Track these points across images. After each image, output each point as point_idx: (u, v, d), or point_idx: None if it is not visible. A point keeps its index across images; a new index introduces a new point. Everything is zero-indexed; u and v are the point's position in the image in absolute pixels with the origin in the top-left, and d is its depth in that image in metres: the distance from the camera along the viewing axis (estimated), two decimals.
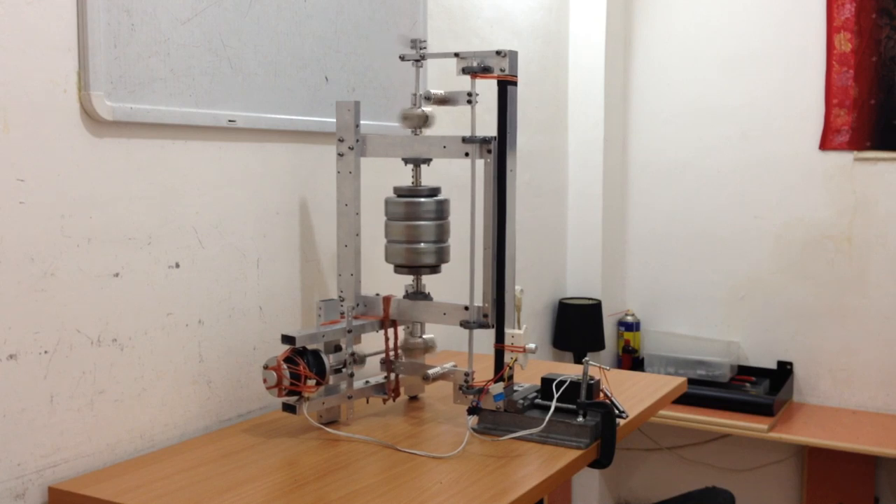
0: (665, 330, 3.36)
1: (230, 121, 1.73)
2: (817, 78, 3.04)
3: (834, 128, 3.02)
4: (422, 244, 1.75)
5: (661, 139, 3.33)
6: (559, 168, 3.18)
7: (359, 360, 1.74)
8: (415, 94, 1.78)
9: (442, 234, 1.78)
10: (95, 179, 1.50)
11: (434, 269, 1.79)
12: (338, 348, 1.73)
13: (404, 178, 1.83)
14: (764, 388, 3.09)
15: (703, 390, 3.00)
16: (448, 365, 1.77)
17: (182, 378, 1.68)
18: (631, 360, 3.32)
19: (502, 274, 1.66)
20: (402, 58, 1.79)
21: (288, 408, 1.65)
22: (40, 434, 1.43)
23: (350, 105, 1.78)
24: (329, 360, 1.66)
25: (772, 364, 3.18)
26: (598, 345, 3.13)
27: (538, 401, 1.68)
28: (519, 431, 1.61)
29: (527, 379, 1.81)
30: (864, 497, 2.93)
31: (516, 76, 1.66)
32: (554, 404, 1.61)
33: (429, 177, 1.83)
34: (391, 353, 1.80)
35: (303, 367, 1.60)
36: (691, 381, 3.00)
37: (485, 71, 1.64)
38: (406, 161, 1.78)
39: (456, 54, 1.68)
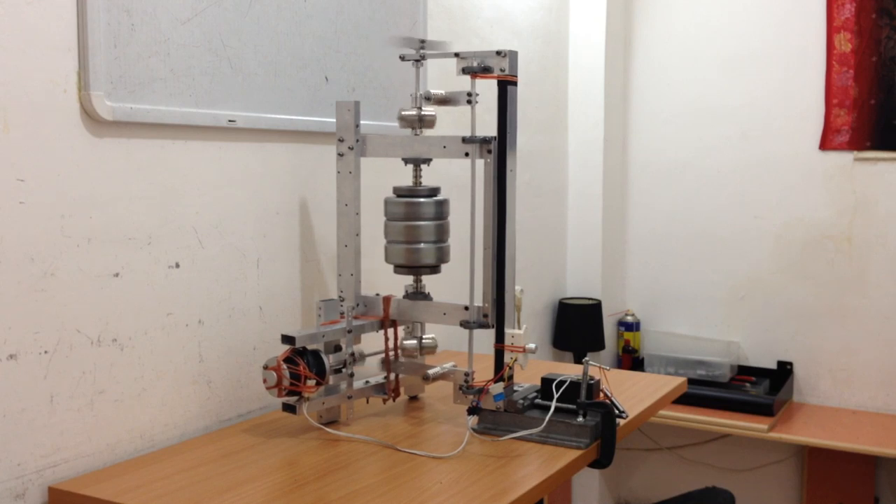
0: (665, 330, 3.36)
1: (230, 121, 1.73)
2: (817, 78, 3.04)
3: (834, 128, 3.02)
4: (422, 244, 1.75)
5: (661, 139, 3.33)
6: (559, 168, 3.18)
7: (359, 359, 1.74)
8: (415, 95, 1.78)
9: (442, 234, 1.78)
10: (95, 179, 1.50)
11: (434, 269, 1.79)
12: (338, 348, 1.73)
13: (404, 178, 1.83)
14: (764, 388, 3.09)
15: (703, 390, 3.00)
16: (448, 365, 1.77)
17: (182, 378, 1.68)
18: (631, 360, 3.32)
19: (502, 274, 1.66)
20: (403, 58, 1.79)
21: (288, 408, 1.65)
22: (40, 434, 1.43)
23: (350, 105, 1.78)
24: (329, 360, 1.66)
25: (772, 364, 3.18)
26: (598, 345, 3.13)
27: (538, 401, 1.68)
28: (519, 431, 1.61)
29: (527, 379, 1.81)
30: (864, 497, 2.93)
31: (516, 76, 1.66)
32: (554, 404, 1.61)
33: (429, 177, 1.83)
34: (391, 353, 1.80)
35: (303, 367, 1.60)
36: (691, 381, 3.00)
37: (485, 71, 1.64)
38: (406, 161, 1.78)
39: (456, 54, 1.68)
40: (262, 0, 1.79)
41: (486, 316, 1.69)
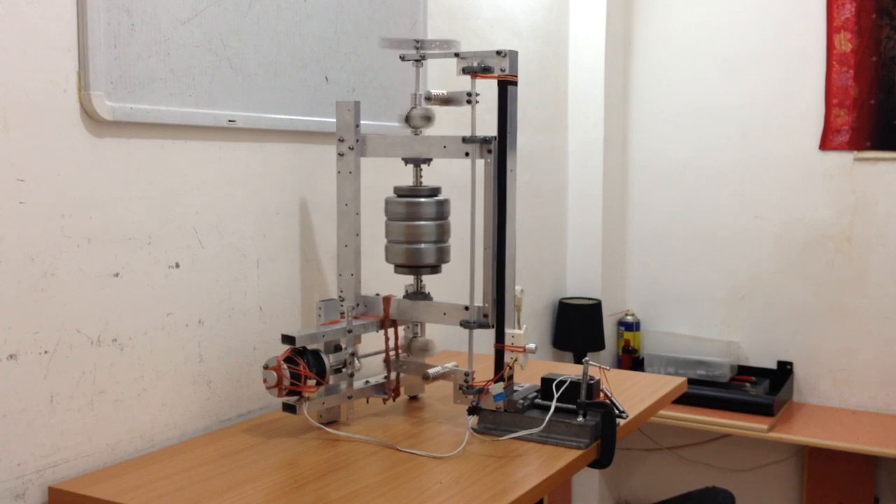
0: (665, 330, 3.36)
1: (230, 121, 1.73)
2: (817, 78, 3.04)
3: (834, 128, 3.02)
4: (422, 244, 1.75)
5: (661, 139, 3.33)
6: (559, 168, 3.18)
7: (359, 360, 1.74)
8: (415, 94, 1.78)
9: (442, 234, 1.78)
10: (95, 179, 1.50)
11: (434, 269, 1.79)
12: (338, 348, 1.73)
13: (404, 178, 1.83)
14: (764, 388, 3.09)
15: (703, 390, 3.00)
16: (448, 365, 1.77)
17: (182, 378, 1.68)
18: (631, 360, 3.32)
19: (502, 274, 1.66)
20: (403, 58, 1.79)
21: (288, 408, 1.65)
22: (40, 434, 1.43)
23: (350, 105, 1.78)
24: (329, 360, 1.66)
25: (772, 364, 3.18)
26: (598, 345, 3.13)
27: (538, 401, 1.68)
28: (519, 431, 1.61)
29: (527, 379, 1.81)
30: (864, 497, 2.93)
31: (516, 76, 1.66)
32: (554, 404, 1.61)
33: (429, 177, 1.83)
34: (391, 353, 1.80)
35: (303, 367, 1.60)
36: (691, 381, 3.00)
37: (485, 71, 1.64)
38: (406, 161, 1.78)
39: (456, 54, 1.68)
40: (262, 0, 1.79)
41: (486, 316, 1.69)
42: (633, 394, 1.93)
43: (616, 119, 3.30)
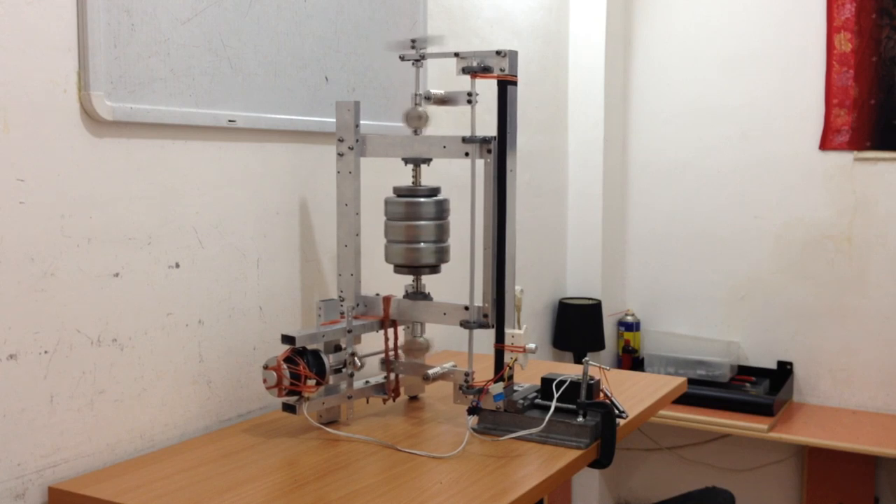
0: (665, 330, 3.36)
1: (230, 121, 1.73)
2: (817, 78, 3.04)
3: (834, 128, 3.02)
4: (422, 244, 1.75)
5: (661, 139, 3.33)
6: (559, 168, 3.18)
7: (359, 359, 1.74)
8: (415, 94, 1.78)
9: (442, 234, 1.78)
10: (95, 179, 1.50)
11: (434, 269, 1.79)
12: (338, 348, 1.73)
13: (404, 178, 1.83)
14: (764, 388, 3.09)
15: (703, 390, 3.00)
16: (448, 365, 1.76)
17: (182, 378, 1.68)
18: (631, 360, 3.32)
19: (502, 274, 1.66)
20: (402, 58, 1.79)
21: (288, 408, 1.65)
22: (40, 434, 1.43)
23: (350, 105, 1.78)
24: (329, 360, 1.66)
25: (772, 364, 3.18)
26: (598, 345, 3.13)
27: (538, 401, 1.68)
28: (519, 431, 1.61)
29: (527, 379, 1.81)
30: (864, 497, 2.93)
31: (516, 76, 1.66)
32: (554, 404, 1.61)
33: (429, 177, 1.83)
34: (391, 353, 1.80)
35: (303, 367, 1.60)
36: (691, 381, 3.00)
37: (485, 71, 1.64)
38: (406, 161, 1.78)
39: (456, 54, 1.68)
40: (262, 0, 1.79)
41: (486, 316, 1.69)
42: (633, 394, 1.93)
43: (616, 119, 3.30)
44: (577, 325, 3.11)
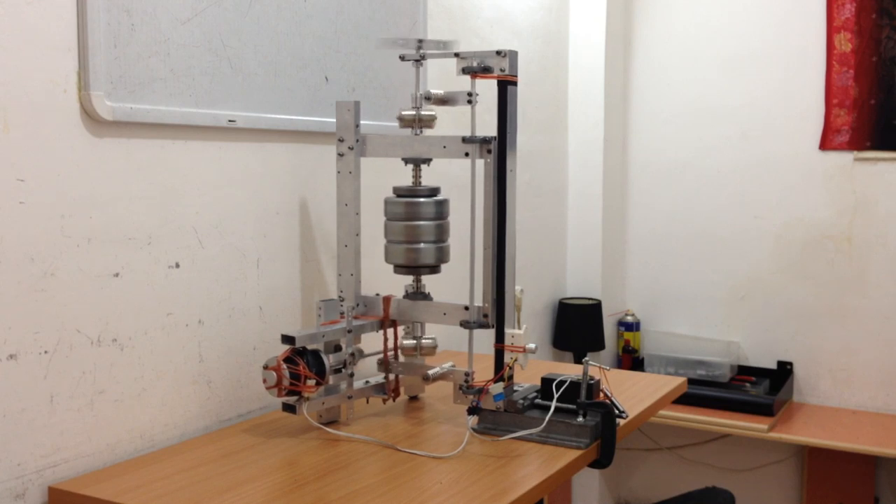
0: (665, 330, 3.36)
1: (230, 121, 1.73)
2: (817, 78, 3.04)
3: (834, 128, 3.02)
4: (422, 244, 1.75)
5: (661, 139, 3.33)
6: (559, 168, 3.18)
7: (358, 359, 1.74)
8: (415, 94, 1.78)
9: (442, 234, 1.78)
10: (95, 179, 1.50)
11: (434, 269, 1.79)
12: (338, 348, 1.73)
13: (404, 178, 1.83)
14: (764, 388, 3.09)
15: (703, 390, 3.00)
16: (448, 365, 1.76)
17: (182, 378, 1.68)
18: (631, 360, 3.32)
19: (502, 274, 1.66)
20: (403, 58, 1.79)
21: (288, 408, 1.65)
22: (40, 434, 1.43)
23: (350, 105, 1.78)
24: (329, 360, 1.66)
25: (772, 364, 3.18)
26: (598, 345, 3.13)
27: (538, 401, 1.68)
28: (519, 431, 1.61)
29: (527, 379, 1.81)
30: (864, 497, 2.93)
31: (516, 76, 1.66)
32: (554, 404, 1.61)
33: (429, 177, 1.83)
34: (391, 353, 1.80)
35: (303, 367, 1.60)
36: (691, 381, 3.00)
37: (485, 71, 1.64)
38: (406, 161, 1.78)
39: (456, 54, 1.68)
40: (262, 0, 1.79)
41: (486, 316, 1.69)
42: (633, 394, 1.93)
43: (616, 119, 3.30)
44: (577, 325, 3.12)
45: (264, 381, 1.60)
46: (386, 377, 1.81)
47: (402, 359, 1.83)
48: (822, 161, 3.06)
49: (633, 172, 3.39)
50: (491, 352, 1.69)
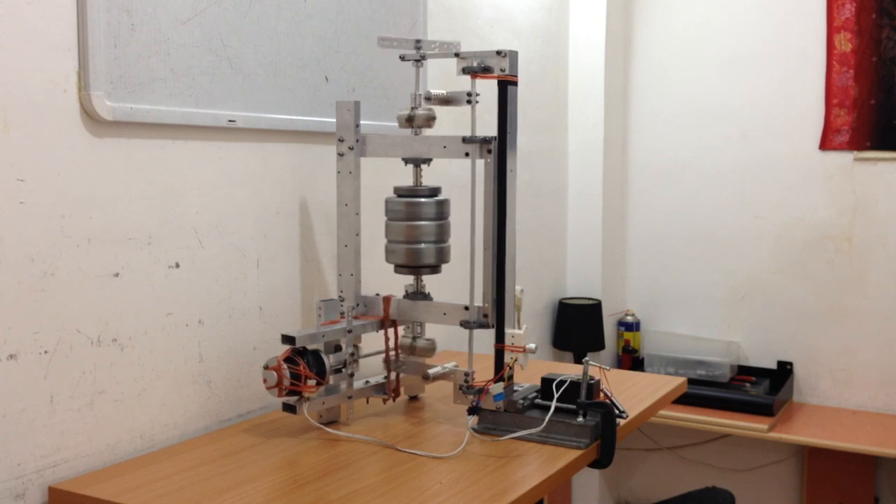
0: (665, 330, 3.36)
1: (230, 121, 1.73)
2: (817, 78, 3.04)
3: (834, 128, 3.02)
4: (422, 244, 1.75)
5: (661, 139, 3.33)
6: (559, 168, 3.18)
7: (358, 360, 1.74)
8: (415, 94, 1.78)
9: (442, 234, 1.78)
10: (95, 179, 1.50)
11: (434, 269, 1.79)
12: (338, 348, 1.73)
13: (404, 178, 1.83)
14: (764, 388, 3.09)
15: (703, 390, 3.00)
16: (448, 365, 1.77)
17: (182, 378, 1.68)
18: (631, 360, 3.32)
19: (502, 274, 1.66)
20: (403, 58, 1.79)
21: (288, 408, 1.65)
22: (40, 434, 1.43)
23: (350, 105, 1.78)
24: (329, 360, 1.66)
25: (772, 364, 3.18)
26: (598, 345, 3.13)
27: (538, 401, 1.68)
28: (519, 431, 1.61)
29: (527, 379, 1.81)
30: (864, 497, 2.93)
31: (516, 76, 1.66)
32: (554, 404, 1.61)
33: (429, 177, 1.83)
34: (391, 353, 1.80)
35: (303, 367, 1.60)
36: (691, 381, 3.00)
37: (485, 71, 1.64)
38: (406, 161, 1.78)
39: (456, 54, 1.68)
40: (262, 0, 1.79)
41: (486, 316, 1.69)
42: (633, 394, 1.93)
43: (616, 119, 3.30)
44: (577, 325, 3.11)
45: (264, 381, 1.60)
46: (387, 377, 1.81)
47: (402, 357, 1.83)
48: (822, 161, 3.06)
49: (633, 172, 3.39)
50: (491, 352, 1.69)
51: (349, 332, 1.72)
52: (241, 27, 1.74)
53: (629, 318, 3.34)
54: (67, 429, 1.47)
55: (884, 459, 2.95)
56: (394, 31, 2.16)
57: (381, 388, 1.80)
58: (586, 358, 1.66)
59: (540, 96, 3.01)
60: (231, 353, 1.78)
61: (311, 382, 1.62)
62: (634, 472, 3.46)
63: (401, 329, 1.83)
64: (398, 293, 1.82)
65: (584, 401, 1.60)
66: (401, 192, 1.77)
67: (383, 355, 1.81)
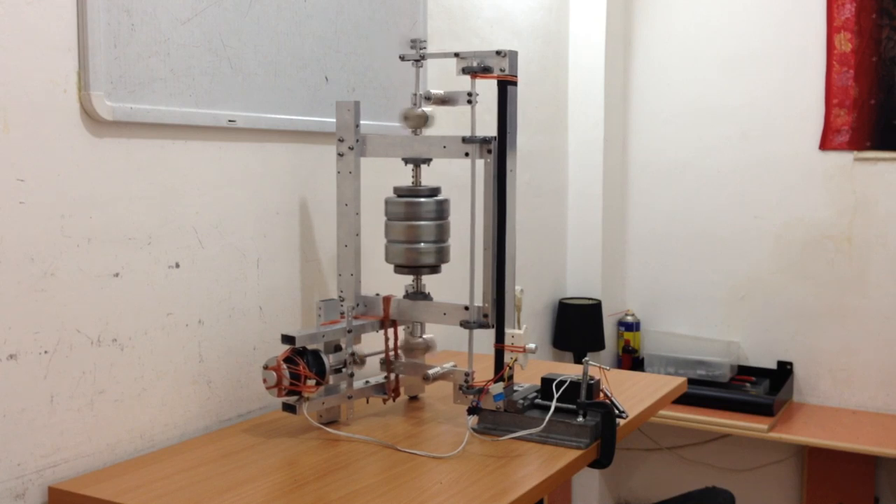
0: (665, 330, 3.36)
1: (230, 121, 1.73)
2: (817, 78, 3.04)
3: (834, 128, 3.02)
4: (422, 244, 1.75)
5: (661, 139, 3.33)
6: (559, 168, 3.18)
7: (359, 360, 1.74)
8: (415, 94, 1.78)
9: (442, 234, 1.78)
10: (95, 179, 1.50)
11: (434, 269, 1.79)
12: (338, 348, 1.73)
13: (404, 178, 1.83)
14: (764, 388, 3.09)
15: (703, 390, 3.00)
16: (448, 365, 1.77)
17: (182, 378, 1.68)
18: (631, 360, 3.32)
19: (502, 274, 1.66)
20: (403, 58, 1.79)
21: (288, 408, 1.65)
22: (40, 434, 1.43)
23: (350, 105, 1.78)
24: (329, 360, 1.66)
25: (772, 364, 3.18)
26: (598, 345, 3.13)
27: (538, 401, 1.68)
28: (519, 431, 1.61)
29: (527, 379, 1.81)
30: (864, 497, 2.93)
31: (516, 76, 1.66)
32: (554, 404, 1.61)
33: (429, 177, 1.83)
34: (391, 353, 1.80)
35: (303, 367, 1.60)
36: (691, 381, 3.00)
37: (485, 71, 1.64)
38: (406, 161, 1.78)
39: (456, 54, 1.68)
40: (262, 0, 1.79)
41: (486, 316, 1.69)
42: (633, 394, 1.93)
43: (616, 119, 3.30)
44: (577, 325, 3.12)
45: (264, 381, 1.60)
46: (387, 377, 1.81)
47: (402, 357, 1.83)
48: (822, 161, 3.06)
49: (633, 172, 3.39)
50: (491, 352, 1.69)
51: (349, 332, 1.72)
52: (241, 27, 1.74)
53: (629, 318, 3.34)
54: (67, 429, 1.47)
55: (884, 459, 2.95)
56: (394, 31, 2.16)
57: (380, 388, 1.80)
58: (586, 358, 1.66)
59: (540, 96, 3.01)
60: (231, 353, 1.78)
61: (311, 382, 1.62)
62: (634, 472, 3.46)
63: (400, 329, 1.83)
64: (398, 293, 1.82)
65: (584, 401, 1.60)
66: (401, 192, 1.77)
67: (383, 355, 1.81)
